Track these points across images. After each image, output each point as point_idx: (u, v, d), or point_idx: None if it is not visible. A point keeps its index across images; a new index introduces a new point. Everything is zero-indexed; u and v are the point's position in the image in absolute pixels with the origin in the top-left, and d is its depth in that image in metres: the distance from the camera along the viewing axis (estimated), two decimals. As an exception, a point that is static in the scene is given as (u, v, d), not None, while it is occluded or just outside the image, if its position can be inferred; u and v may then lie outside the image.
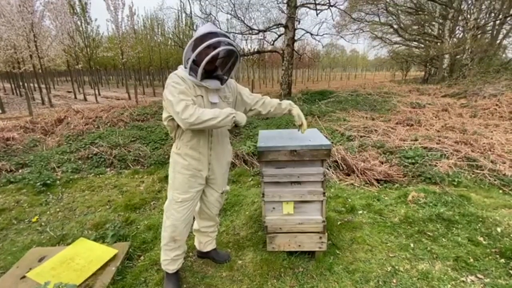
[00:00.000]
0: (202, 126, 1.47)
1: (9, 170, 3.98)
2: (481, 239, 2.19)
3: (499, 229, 2.26)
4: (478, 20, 13.87)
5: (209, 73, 1.57)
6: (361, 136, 4.79)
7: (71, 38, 15.98)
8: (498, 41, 17.62)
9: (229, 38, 1.53)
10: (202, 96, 1.58)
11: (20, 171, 4.00)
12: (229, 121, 1.51)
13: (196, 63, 1.50)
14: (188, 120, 1.43)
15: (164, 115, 1.63)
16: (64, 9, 15.04)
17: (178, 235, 1.73)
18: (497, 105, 6.58)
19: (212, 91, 1.61)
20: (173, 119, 1.58)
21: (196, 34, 1.50)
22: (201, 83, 1.55)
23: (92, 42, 18.10)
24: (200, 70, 1.48)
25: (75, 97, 15.68)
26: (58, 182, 3.64)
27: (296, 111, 1.91)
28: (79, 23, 17.14)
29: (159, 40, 22.48)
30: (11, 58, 14.16)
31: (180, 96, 1.47)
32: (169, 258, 1.78)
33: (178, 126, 1.62)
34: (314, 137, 2.01)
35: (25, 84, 16.31)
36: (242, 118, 1.59)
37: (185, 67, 1.56)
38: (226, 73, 1.64)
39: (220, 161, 1.79)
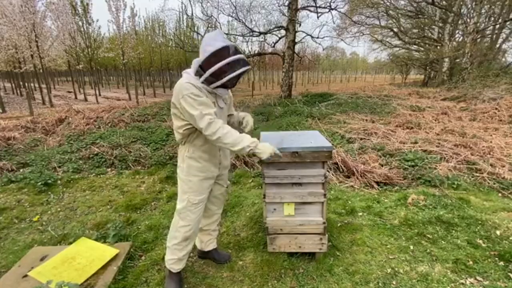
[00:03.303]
0: (219, 146, 1.64)
1: (10, 169, 3.99)
2: (480, 241, 2.21)
3: (498, 232, 2.28)
4: (478, 24, 13.93)
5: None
6: (361, 139, 4.81)
7: (72, 39, 16.02)
8: (497, 45, 17.70)
9: (238, 48, 1.56)
10: (214, 102, 1.65)
11: (21, 170, 4.01)
12: (245, 152, 1.59)
13: (214, 76, 1.51)
14: (211, 138, 1.55)
15: (178, 123, 1.65)
16: (65, 10, 15.08)
17: (192, 235, 1.81)
18: (496, 109, 6.62)
19: (220, 97, 1.69)
20: (189, 128, 1.63)
21: (209, 46, 1.47)
22: (213, 91, 1.61)
23: (93, 43, 18.14)
24: (218, 83, 1.53)
25: (76, 97, 15.71)
26: (59, 181, 3.65)
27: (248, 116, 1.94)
28: (80, 23, 17.17)
29: (160, 41, 22.55)
30: (12, 58, 14.21)
31: (202, 109, 1.51)
32: (177, 258, 1.81)
33: (192, 133, 1.67)
34: (315, 139, 2.02)
35: (26, 84, 16.33)
36: (264, 151, 1.60)
37: (195, 75, 1.58)
38: (234, 82, 1.66)
39: (227, 159, 1.94)
